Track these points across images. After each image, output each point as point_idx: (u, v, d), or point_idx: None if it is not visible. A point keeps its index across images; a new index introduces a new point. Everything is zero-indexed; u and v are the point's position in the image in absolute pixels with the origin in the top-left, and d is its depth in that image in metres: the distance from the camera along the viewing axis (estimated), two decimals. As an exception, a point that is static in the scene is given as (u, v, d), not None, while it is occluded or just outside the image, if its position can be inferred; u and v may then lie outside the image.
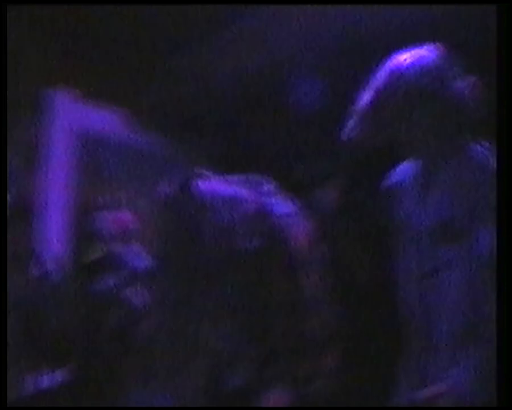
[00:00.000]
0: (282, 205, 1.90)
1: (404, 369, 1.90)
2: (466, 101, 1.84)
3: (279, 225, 1.82)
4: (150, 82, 3.74)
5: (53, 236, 3.41)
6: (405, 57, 1.89)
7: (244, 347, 1.71)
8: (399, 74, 1.87)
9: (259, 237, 1.77)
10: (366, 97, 1.91)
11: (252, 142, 3.91)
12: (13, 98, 2.91)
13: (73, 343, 1.96)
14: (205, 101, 3.79)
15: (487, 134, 1.85)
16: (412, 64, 1.87)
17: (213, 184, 1.87)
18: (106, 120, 3.87)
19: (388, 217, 2.05)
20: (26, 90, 3.21)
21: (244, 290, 1.75)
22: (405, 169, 2.03)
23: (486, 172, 1.79)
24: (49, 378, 2.60)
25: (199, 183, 1.84)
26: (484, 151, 1.86)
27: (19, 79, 3.11)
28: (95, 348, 1.96)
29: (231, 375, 1.72)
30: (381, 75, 1.90)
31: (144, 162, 4.15)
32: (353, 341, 2.04)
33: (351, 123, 1.92)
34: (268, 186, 1.94)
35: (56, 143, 3.57)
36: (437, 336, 1.80)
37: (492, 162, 1.79)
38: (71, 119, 3.63)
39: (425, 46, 1.89)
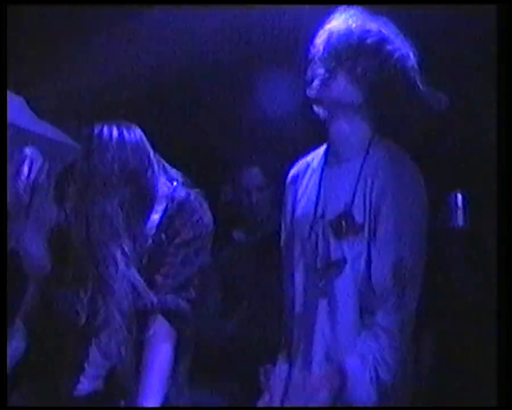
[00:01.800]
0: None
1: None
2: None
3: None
4: (48, 71, 3.67)
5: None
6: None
7: None
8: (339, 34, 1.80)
9: None
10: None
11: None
12: None
13: None
14: (104, 93, 3.78)
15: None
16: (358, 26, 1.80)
17: None
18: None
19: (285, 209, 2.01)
20: None
21: None
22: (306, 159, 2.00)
23: (390, 169, 1.78)
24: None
25: None
26: (391, 149, 1.84)
27: None
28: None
29: None
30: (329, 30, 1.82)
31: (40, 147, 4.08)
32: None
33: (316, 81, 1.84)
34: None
35: None
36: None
37: (398, 161, 1.79)
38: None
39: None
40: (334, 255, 1.78)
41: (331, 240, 1.79)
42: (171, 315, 1.78)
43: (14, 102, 3.69)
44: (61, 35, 3.41)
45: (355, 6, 1.85)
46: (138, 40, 3.50)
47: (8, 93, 3.62)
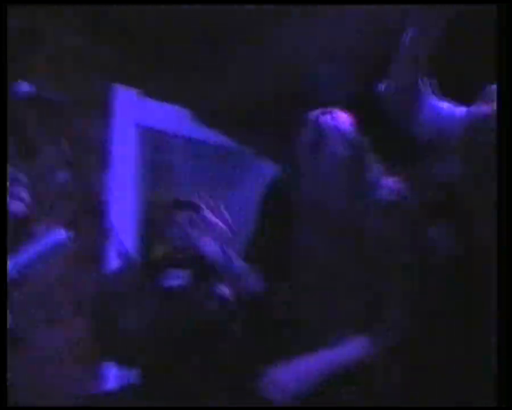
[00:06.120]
0: None
1: None
2: None
3: None
4: (210, 83, 3.73)
5: (122, 233, 3.39)
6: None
7: None
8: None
9: None
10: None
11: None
12: (82, 97, 3.03)
13: (144, 343, 1.94)
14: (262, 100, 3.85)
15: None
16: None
17: None
18: (170, 118, 3.84)
19: None
20: (93, 88, 3.18)
21: None
22: None
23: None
24: (117, 379, 2.60)
25: None
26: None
27: (85, 78, 3.12)
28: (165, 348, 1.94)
29: None
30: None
31: (207, 158, 4.16)
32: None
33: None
34: None
35: (123, 141, 3.52)
36: None
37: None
38: (136, 117, 3.59)
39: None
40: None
41: None
42: None
43: (181, 115, 3.81)
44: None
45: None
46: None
47: (174, 108, 3.69)
